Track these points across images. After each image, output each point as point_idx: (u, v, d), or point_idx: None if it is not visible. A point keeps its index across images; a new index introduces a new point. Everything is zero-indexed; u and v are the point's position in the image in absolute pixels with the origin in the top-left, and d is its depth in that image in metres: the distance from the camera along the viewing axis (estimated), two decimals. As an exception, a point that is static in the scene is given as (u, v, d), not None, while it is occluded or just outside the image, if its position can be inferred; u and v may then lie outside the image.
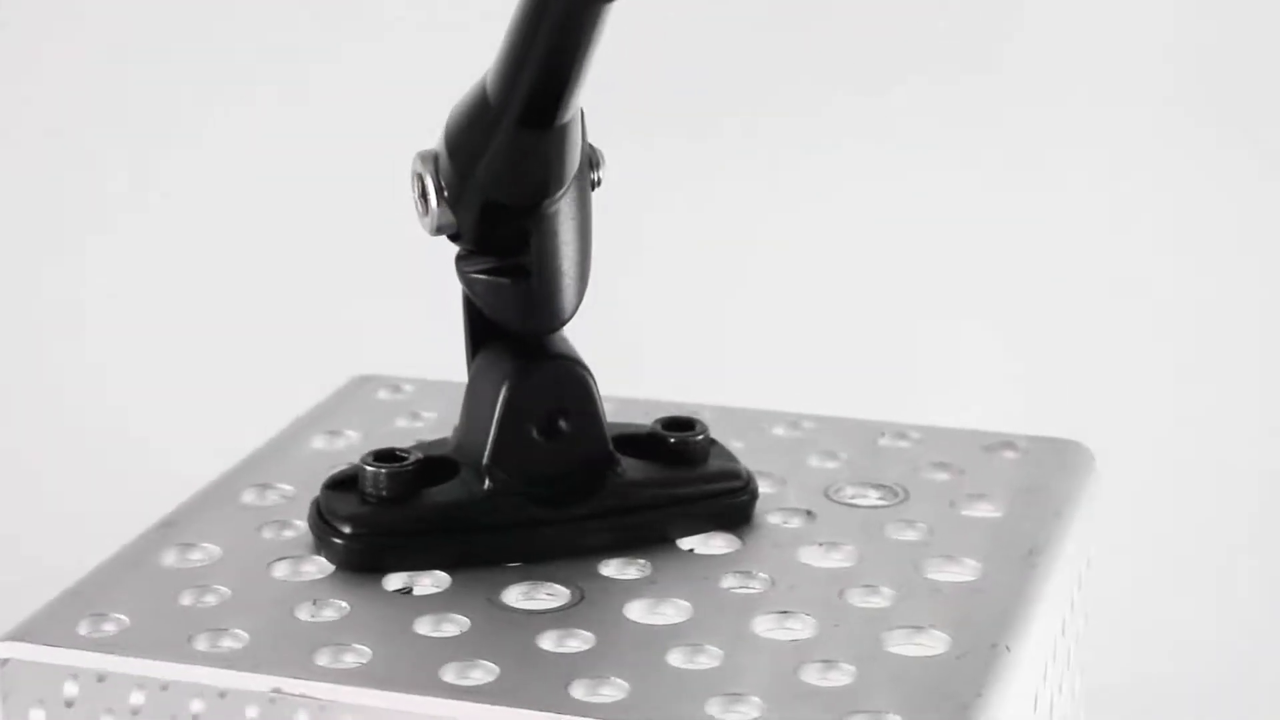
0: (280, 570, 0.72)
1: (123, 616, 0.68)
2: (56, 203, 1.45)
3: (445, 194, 0.72)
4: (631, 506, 0.74)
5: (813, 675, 0.65)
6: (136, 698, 0.65)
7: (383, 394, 0.89)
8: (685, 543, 0.75)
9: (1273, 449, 1.31)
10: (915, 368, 1.34)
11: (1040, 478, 0.81)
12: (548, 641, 0.67)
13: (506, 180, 0.70)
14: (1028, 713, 0.68)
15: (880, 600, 0.70)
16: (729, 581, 0.72)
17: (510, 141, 0.69)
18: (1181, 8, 1.29)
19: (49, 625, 0.68)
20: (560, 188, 0.71)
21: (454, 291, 0.75)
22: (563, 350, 0.74)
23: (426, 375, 0.91)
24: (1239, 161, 1.30)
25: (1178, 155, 1.30)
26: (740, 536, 0.75)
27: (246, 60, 1.41)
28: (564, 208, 0.72)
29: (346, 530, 0.72)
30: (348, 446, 0.83)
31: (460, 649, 0.66)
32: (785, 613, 0.69)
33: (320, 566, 0.72)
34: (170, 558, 0.73)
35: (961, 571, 0.72)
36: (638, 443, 0.76)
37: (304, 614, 0.69)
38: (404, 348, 1.15)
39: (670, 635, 0.68)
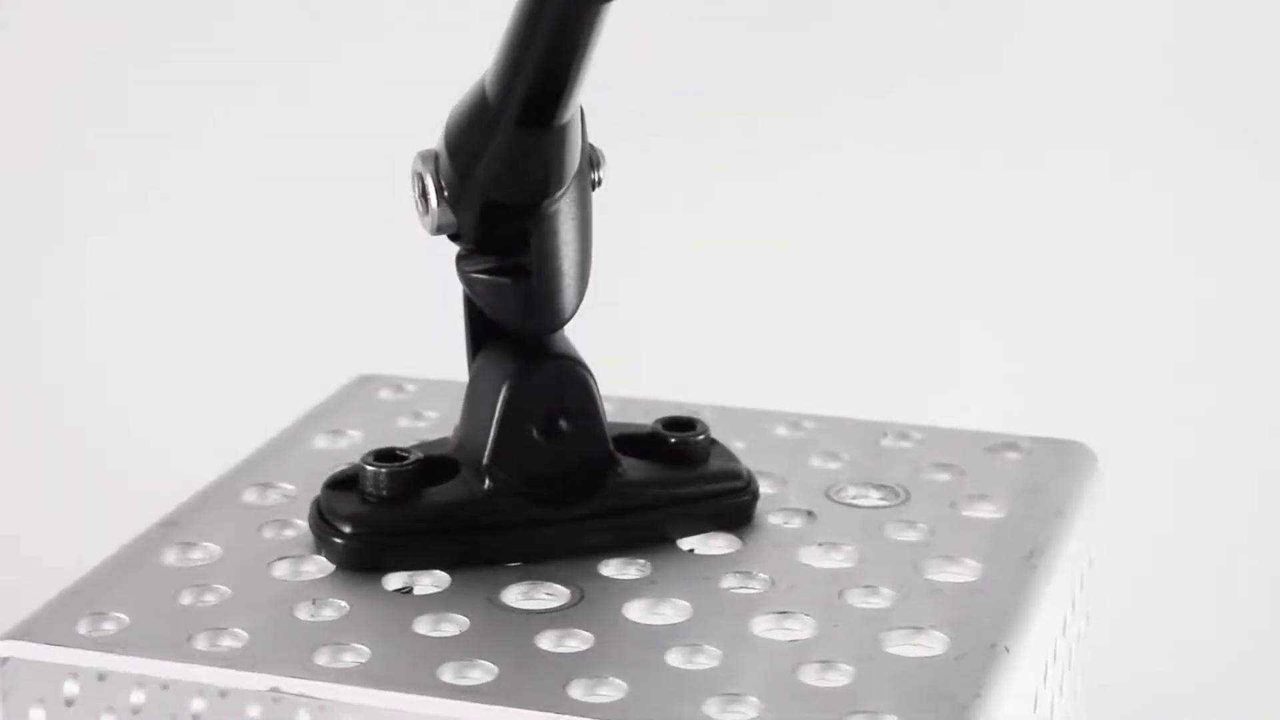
0: (280, 570, 0.72)
1: (123, 615, 0.68)
2: (56, 203, 1.45)
3: (445, 194, 0.72)
4: (632, 506, 0.74)
5: (811, 676, 0.65)
6: (137, 696, 0.65)
7: (385, 394, 0.89)
8: (686, 543, 0.75)
9: (1273, 449, 1.30)
10: (915, 368, 1.34)
11: (1042, 478, 0.80)
12: (546, 641, 0.67)
13: (506, 180, 0.70)
14: (1027, 713, 0.68)
15: (880, 601, 0.70)
16: (729, 582, 0.72)
17: (509, 141, 0.69)
18: (1181, 8, 1.29)
19: (49, 624, 0.68)
20: (560, 187, 0.71)
21: (454, 291, 0.75)
22: (563, 350, 0.74)
23: (427, 375, 0.91)
24: (1239, 161, 1.30)
25: (1178, 155, 1.30)
26: (741, 537, 0.75)
27: (246, 60, 1.41)
28: (564, 207, 0.72)
29: (347, 530, 0.72)
30: (350, 446, 0.83)
31: (459, 649, 0.66)
32: (784, 613, 0.69)
33: (320, 566, 0.72)
34: (171, 557, 0.73)
35: (962, 572, 0.72)
36: (638, 443, 0.76)
37: (303, 613, 0.69)
38: (404, 348, 1.15)
39: (669, 635, 0.68)
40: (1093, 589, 0.81)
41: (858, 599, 0.70)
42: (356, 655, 0.66)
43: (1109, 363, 1.32)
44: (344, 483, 0.74)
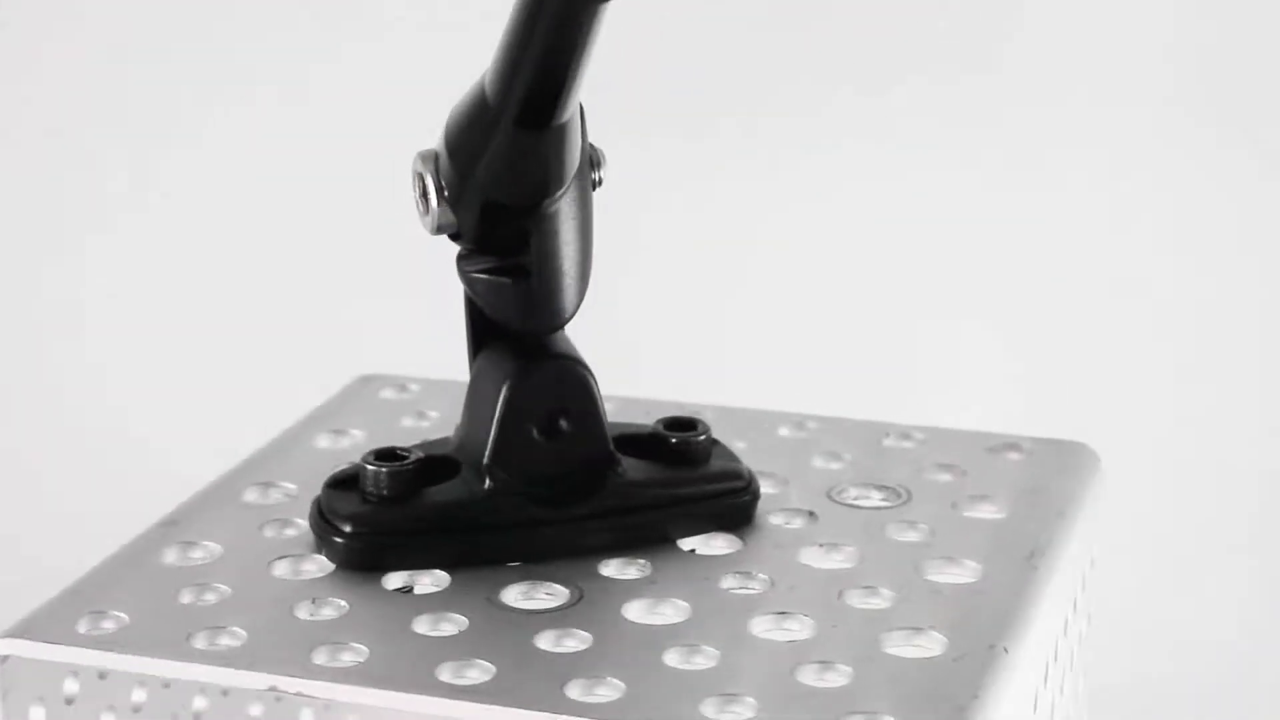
0: (280, 569, 0.72)
1: (122, 614, 0.68)
2: (56, 203, 1.45)
3: (445, 194, 0.72)
4: (632, 506, 0.74)
5: (809, 676, 0.65)
6: (138, 695, 0.65)
7: (387, 393, 0.89)
8: (686, 543, 0.75)
9: (1273, 449, 1.30)
10: (915, 368, 1.34)
11: (1044, 479, 0.80)
12: (545, 641, 0.67)
13: (506, 180, 0.70)
14: (1027, 714, 0.68)
15: (879, 601, 0.70)
16: (729, 582, 0.72)
17: (509, 141, 0.69)
18: (1181, 8, 1.29)
19: (49, 623, 0.68)
20: (560, 187, 0.71)
21: (455, 291, 0.75)
22: (563, 350, 0.74)
23: (428, 375, 0.91)
24: (1239, 161, 1.30)
25: (1178, 155, 1.30)
26: (741, 537, 0.75)
27: (246, 60, 1.41)
28: (564, 207, 0.72)
29: (347, 529, 0.72)
30: (352, 446, 0.83)
31: (457, 648, 0.66)
32: (784, 613, 0.69)
33: (321, 565, 0.72)
34: (171, 556, 0.73)
35: (962, 573, 0.72)
36: (639, 443, 0.76)
37: (303, 613, 0.69)
38: (404, 348, 1.15)
39: (668, 635, 0.68)
40: (1094, 589, 0.81)
41: (857, 599, 0.70)
42: (356, 654, 0.66)
43: (1109, 363, 1.32)
44: (345, 482, 0.74)
